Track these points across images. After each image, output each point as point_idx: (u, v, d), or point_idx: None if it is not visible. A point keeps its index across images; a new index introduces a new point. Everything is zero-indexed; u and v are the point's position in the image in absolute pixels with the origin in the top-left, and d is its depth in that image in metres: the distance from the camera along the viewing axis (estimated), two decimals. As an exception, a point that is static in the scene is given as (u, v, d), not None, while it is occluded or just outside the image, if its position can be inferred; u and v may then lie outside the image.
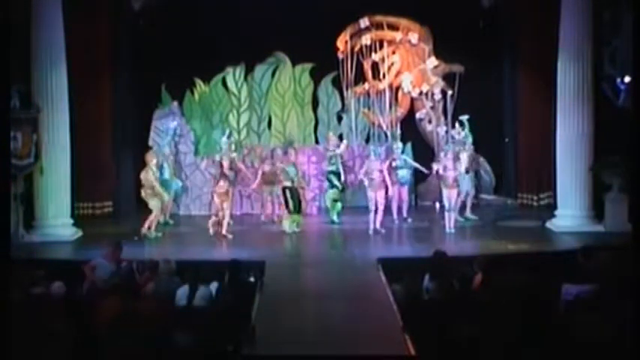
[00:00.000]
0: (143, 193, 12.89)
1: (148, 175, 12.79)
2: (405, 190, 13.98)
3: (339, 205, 14.00)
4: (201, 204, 15.35)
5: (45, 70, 12.23)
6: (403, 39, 15.57)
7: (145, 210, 13.01)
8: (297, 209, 12.99)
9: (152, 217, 12.75)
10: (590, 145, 12.57)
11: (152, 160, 13.02)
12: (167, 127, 15.40)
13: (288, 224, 12.98)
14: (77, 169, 13.14)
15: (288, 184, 12.94)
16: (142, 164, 13.06)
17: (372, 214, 12.82)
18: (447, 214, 12.83)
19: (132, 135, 15.61)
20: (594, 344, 5.70)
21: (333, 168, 13.88)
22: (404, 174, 13.87)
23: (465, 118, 14.15)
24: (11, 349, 5.46)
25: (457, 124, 14.19)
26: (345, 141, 14.73)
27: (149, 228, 12.67)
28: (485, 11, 15.05)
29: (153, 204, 12.80)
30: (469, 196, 14.12)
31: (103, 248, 9.29)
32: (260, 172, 14.00)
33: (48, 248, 11.64)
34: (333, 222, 13.93)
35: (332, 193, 13.99)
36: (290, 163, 13.15)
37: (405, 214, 14.00)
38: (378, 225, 12.82)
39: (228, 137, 14.28)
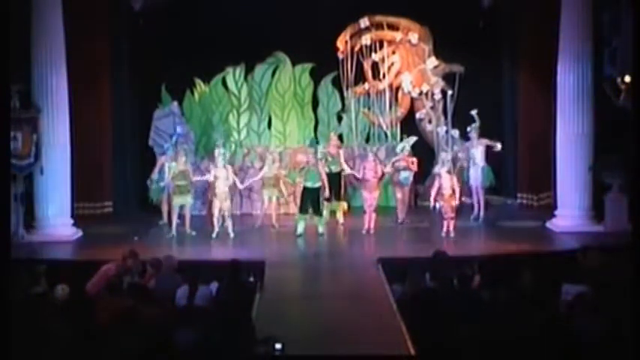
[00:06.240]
0: None
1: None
2: (405, 191, 13.86)
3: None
4: (202, 204, 15.31)
5: (45, 70, 12.23)
6: (403, 39, 15.56)
7: (143, 210, 12.97)
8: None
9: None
10: (590, 145, 12.57)
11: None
12: (174, 131, 15.31)
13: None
14: (77, 169, 13.14)
15: (308, 184, 12.61)
16: (142, 164, 13.03)
17: (366, 215, 12.74)
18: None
19: (132, 135, 15.62)
20: (594, 344, 5.70)
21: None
22: (406, 175, 13.72)
23: (474, 112, 13.98)
24: (11, 349, 5.45)
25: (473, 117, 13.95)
26: (333, 134, 14.45)
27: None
28: (485, 11, 15.03)
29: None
30: (480, 194, 13.86)
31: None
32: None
33: (48, 248, 11.63)
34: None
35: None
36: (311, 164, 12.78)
37: (402, 217, 13.75)
38: (371, 225, 12.74)
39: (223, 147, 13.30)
